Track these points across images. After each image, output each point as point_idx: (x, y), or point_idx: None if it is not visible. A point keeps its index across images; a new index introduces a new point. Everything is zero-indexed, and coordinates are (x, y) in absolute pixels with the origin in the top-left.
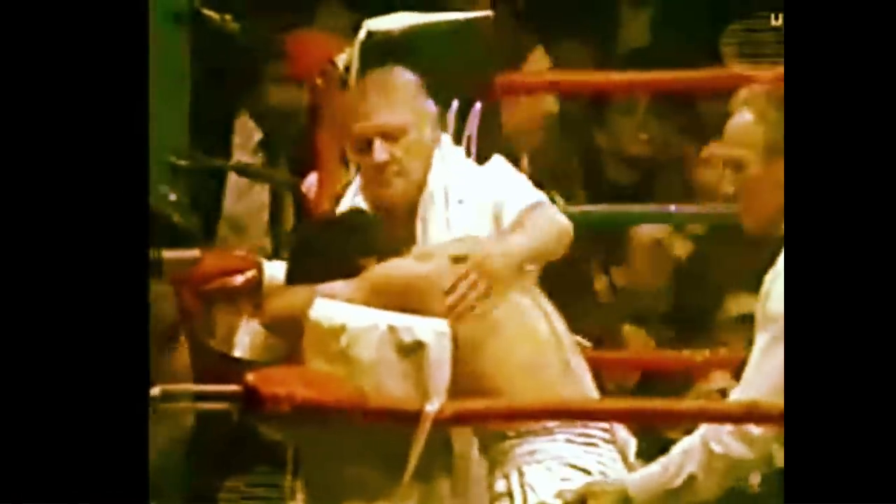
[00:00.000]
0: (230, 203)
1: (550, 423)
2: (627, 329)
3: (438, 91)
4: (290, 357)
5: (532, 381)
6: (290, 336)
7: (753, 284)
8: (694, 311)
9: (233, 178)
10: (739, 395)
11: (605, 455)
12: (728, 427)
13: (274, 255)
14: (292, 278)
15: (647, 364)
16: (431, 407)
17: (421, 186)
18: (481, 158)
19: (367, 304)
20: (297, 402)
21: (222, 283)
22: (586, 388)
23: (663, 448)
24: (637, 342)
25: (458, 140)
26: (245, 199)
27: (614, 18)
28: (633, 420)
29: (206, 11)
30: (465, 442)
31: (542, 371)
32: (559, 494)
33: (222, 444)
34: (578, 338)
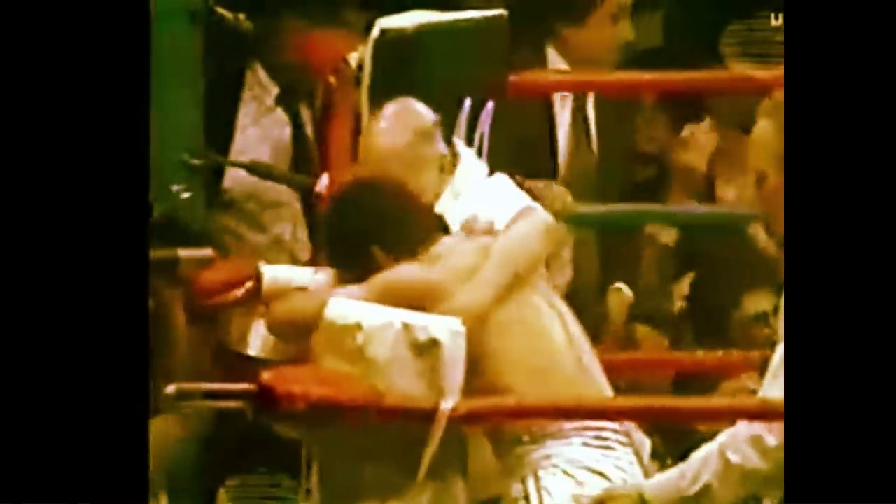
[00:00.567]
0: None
1: (566, 426)
2: (641, 330)
3: (450, 90)
4: (303, 356)
5: (544, 381)
6: (295, 340)
7: (771, 282)
8: (710, 310)
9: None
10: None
11: (622, 458)
12: (746, 437)
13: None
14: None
15: (659, 365)
16: (446, 405)
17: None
18: (493, 157)
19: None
20: (311, 400)
21: (223, 299)
22: (600, 389)
23: (686, 450)
24: (650, 343)
25: (469, 139)
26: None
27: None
28: (645, 418)
29: (220, 10)
30: (480, 442)
31: (555, 371)
32: (577, 500)
33: (235, 442)
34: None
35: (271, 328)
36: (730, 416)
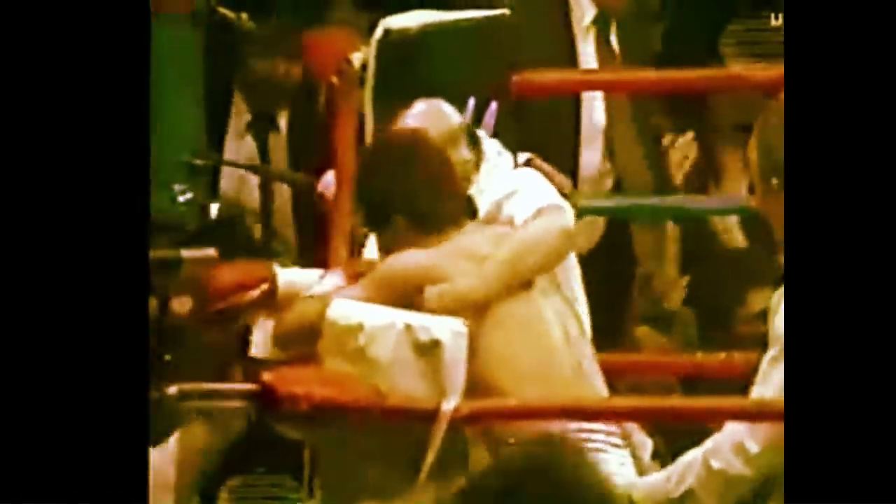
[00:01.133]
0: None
1: (553, 430)
2: (641, 330)
3: (454, 89)
4: (305, 357)
5: (537, 383)
6: (301, 349)
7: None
8: (714, 307)
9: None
10: None
11: (611, 460)
12: (729, 443)
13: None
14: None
15: (658, 368)
16: (448, 406)
17: None
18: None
19: (378, 298)
20: (314, 401)
21: (237, 301)
22: (597, 391)
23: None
24: (651, 343)
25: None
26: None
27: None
28: (643, 419)
29: (222, 10)
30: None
31: (549, 374)
32: None
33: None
34: None
35: (278, 340)
36: (729, 418)
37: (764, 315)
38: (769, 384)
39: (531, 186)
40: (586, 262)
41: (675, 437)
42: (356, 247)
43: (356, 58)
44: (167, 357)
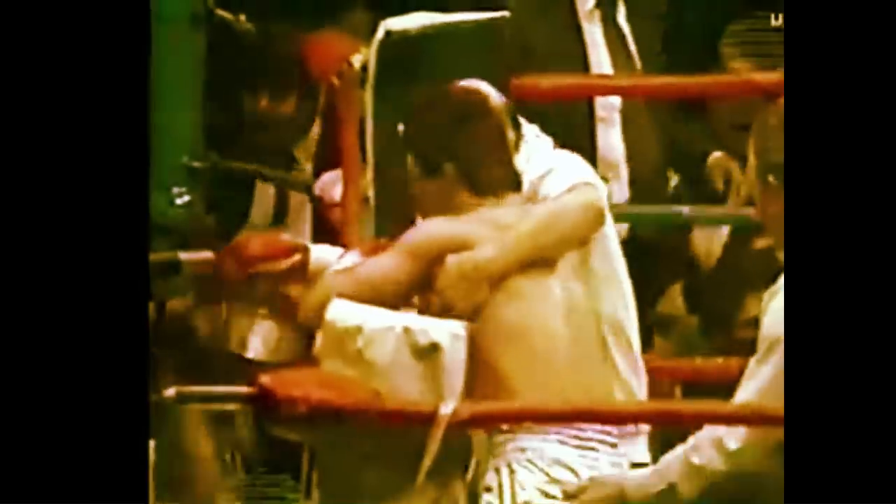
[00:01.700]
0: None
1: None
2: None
3: None
4: (304, 359)
5: (536, 374)
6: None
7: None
8: (713, 313)
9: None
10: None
11: (601, 459)
12: (709, 440)
13: None
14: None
15: (657, 373)
16: (446, 409)
17: None
18: None
19: (405, 265)
20: (312, 403)
21: (268, 268)
22: (597, 388)
23: None
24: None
25: None
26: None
27: None
28: (644, 422)
29: (221, 12)
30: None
31: (547, 370)
32: (545, 496)
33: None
34: None
35: (305, 316)
36: (728, 421)
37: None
38: (747, 388)
39: (567, 165)
40: None
41: (673, 440)
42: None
43: (357, 59)
44: (165, 359)
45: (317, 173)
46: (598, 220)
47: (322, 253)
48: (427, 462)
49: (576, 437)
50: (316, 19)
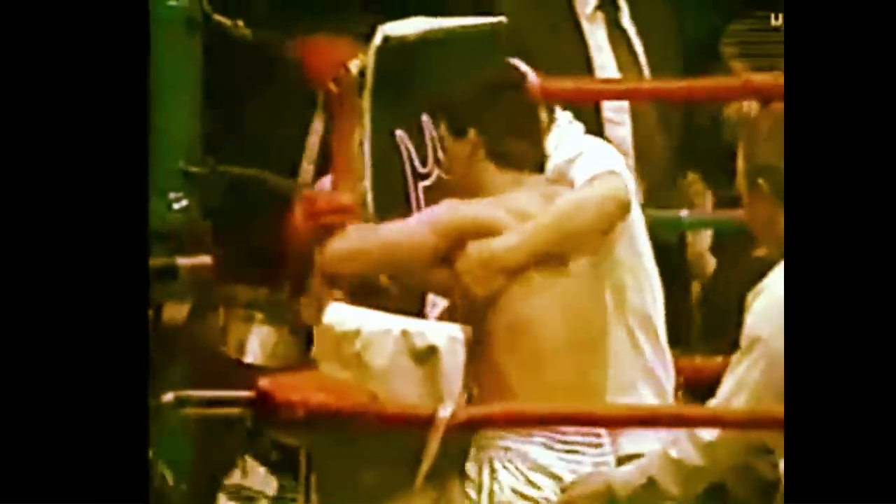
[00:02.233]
0: None
1: None
2: None
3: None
4: (303, 363)
5: (536, 374)
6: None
7: None
8: (715, 315)
9: None
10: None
11: (584, 462)
12: (686, 434)
13: None
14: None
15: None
16: (444, 412)
17: None
18: None
19: (429, 240)
20: (310, 407)
21: (332, 220)
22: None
23: None
24: None
25: None
26: None
27: None
28: (642, 425)
29: (218, 17)
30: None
31: (546, 372)
32: (524, 498)
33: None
34: None
35: (328, 269)
36: (727, 424)
37: None
38: (726, 383)
39: (595, 151)
40: None
41: None
42: None
43: (354, 64)
44: (164, 364)
45: (315, 178)
46: (621, 211)
47: None
48: (425, 465)
49: (560, 441)
50: (313, 24)
